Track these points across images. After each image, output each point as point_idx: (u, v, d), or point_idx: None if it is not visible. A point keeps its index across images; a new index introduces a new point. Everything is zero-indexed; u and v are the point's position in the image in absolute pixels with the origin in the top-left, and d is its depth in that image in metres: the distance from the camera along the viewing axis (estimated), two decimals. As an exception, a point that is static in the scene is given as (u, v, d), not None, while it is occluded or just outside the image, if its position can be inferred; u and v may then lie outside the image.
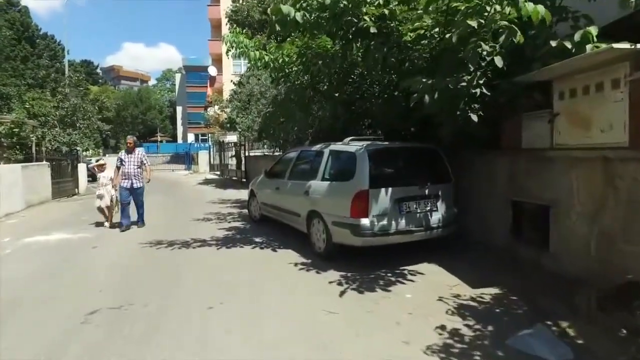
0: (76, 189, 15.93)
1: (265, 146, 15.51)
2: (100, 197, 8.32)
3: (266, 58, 6.98)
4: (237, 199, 12.31)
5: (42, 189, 11.98)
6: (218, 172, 22.80)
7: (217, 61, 39.51)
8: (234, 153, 18.96)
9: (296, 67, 7.15)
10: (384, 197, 4.93)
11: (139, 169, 8.01)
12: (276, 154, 14.92)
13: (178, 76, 61.05)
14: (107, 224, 8.35)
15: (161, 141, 56.35)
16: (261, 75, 11.04)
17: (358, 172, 4.99)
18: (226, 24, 14.11)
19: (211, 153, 25.70)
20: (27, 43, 43.12)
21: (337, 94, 6.97)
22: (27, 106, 13.94)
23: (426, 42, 5.77)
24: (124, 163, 7.90)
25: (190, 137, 48.05)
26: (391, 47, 5.65)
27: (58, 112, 16.33)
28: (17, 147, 12.00)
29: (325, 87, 7.03)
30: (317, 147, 6.24)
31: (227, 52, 7.71)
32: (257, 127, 10.23)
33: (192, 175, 24.30)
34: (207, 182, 19.45)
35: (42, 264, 5.73)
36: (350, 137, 5.64)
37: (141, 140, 57.64)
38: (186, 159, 28.29)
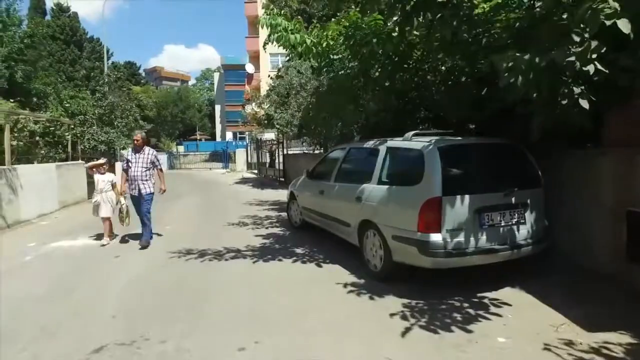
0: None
1: (305, 144, 14.69)
2: (97, 206, 6.71)
3: (308, 41, 6.06)
4: (275, 200, 11.52)
5: (78, 188, 11.67)
6: (255, 171, 22.25)
7: (254, 58, 39.25)
8: (272, 151, 18.30)
9: (343, 51, 6.19)
10: (460, 207, 3.88)
11: (148, 172, 6.53)
12: (317, 152, 14.07)
13: (217, 75, 61.65)
14: (105, 240, 6.71)
15: (200, 140, 57.04)
16: (301, 65, 10.18)
17: (427, 174, 3.96)
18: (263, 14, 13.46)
19: (248, 151, 25.23)
20: (75, 47, 44.86)
21: (390, 83, 5.94)
22: (66, 105, 13.75)
23: (504, 13, 4.68)
24: (130, 165, 6.50)
25: (229, 136, 48.26)
26: (461, 20, 4.57)
27: (97, 110, 16.21)
28: (55, 145, 11.75)
29: (377, 73, 6.01)
30: (370, 143, 5.24)
31: (264, 45, 6.87)
32: (297, 122, 9.35)
33: (229, 174, 23.90)
34: (244, 181, 18.88)
35: (58, 277, 5.09)
36: (413, 132, 4.60)
37: (181, 139, 58.84)
38: (223, 157, 28.00)
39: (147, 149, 6.68)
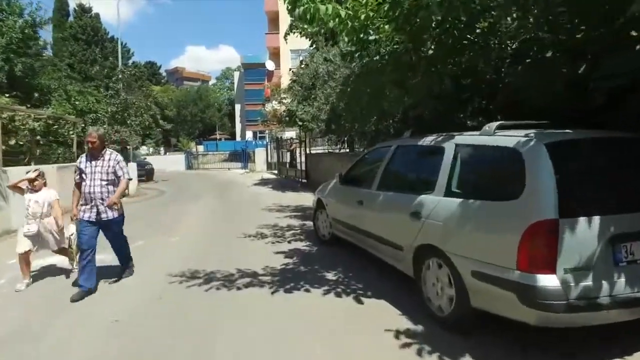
0: (126, 190, 14.83)
1: (329, 142, 13.49)
2: (29, 235, 4.60)
3: (342, 13, 4.81)
4: (297, 206, 10.32)
5: (84, 192, 10.72)
6: (275, 171, 21.15)
7: (275, 55, 38.24)
8: (292, 150, 17.14)
9: (384, 26, 4.92)
10: (586, 234, 2.56)
11: (110, 186, 4.47)
12: (343, 151, 12.82)
13: (237, 74, 61.03)
14: (22, 283, 4.59)
15: (220, 139, 56.53)
16: (329, 52, 8.91)
17: (532, 184, 2.65)
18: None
19: (268, 151, 24.15)
20: (96, 47, 44.81)
21: (451, 61, 4.64)
22: (75, 102, 12.89)
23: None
24: (84, 176, 4.43)
25: (249, 135, 47.51)
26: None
27: (109, 108, 15.37)
28: (61, 145, 10.86)
29: (431, 51, 4.71)
30: (428, 140, 3.95)
31: (285, 36, 5.72)
32: (325, 116, 8.07)
33: (248, 174, 22.85)
34: (263, 182, 17.77)
35: (28, 311, 3.99)
36: (497, 123, 3.27)
37: (200, 138, 58.48)
38: (242, 157, 26.98)
39: (108, 152, 4.58)
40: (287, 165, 19.22)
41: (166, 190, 15.86)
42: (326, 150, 13.56)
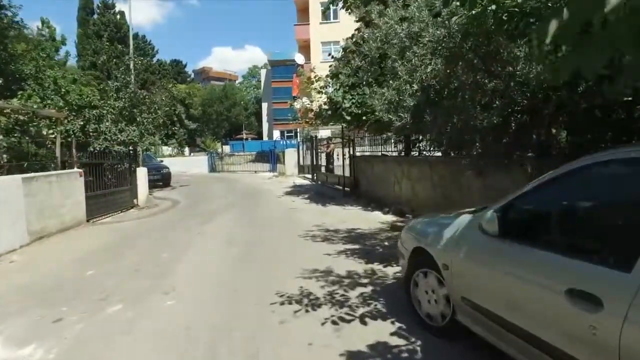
0: (135, 200, 12.43)
1: (374, 142, 10.58)
2: None
3: None
4: (349, 229, 7.46)
5: (69, 208, 8.24)
6: (309, 176, 18.34)
7: (304, 48, 35.52)
8: (338, 153, 14.24)
9: None
10: None
11: None
12: (392, 153, 9.88)
13: (263, 72, 58.75)
14: None
15: (246, 139, 54.40)
16: (405, 6, 5.86)
17: None
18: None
19: (300, 152, 21.30)
20: (119, 44, 43.21)
21: None
22: (65, 92, 10.41)
23: None
24: None
25: (276, 134, 45.13)
26: None
27: (117, 103, 12.95)
28: (41, 146, 8.42)
29: None
30: None
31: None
32: (413, 101, 4.95)
33: (277, 179, 20.07)
34: (296, 190, 14.98)
35: None
36: None
37: (227, 138, 56.50)
38: (270, 158, 24.20)
39: None
40: (324, 169, 16.40)
41: (181, 200, 13.30)
42: (381, 153, 10.58)
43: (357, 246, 6.24)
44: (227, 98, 54.55)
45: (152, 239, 7.46)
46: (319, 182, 16.29)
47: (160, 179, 16.66)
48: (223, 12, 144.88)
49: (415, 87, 4.94)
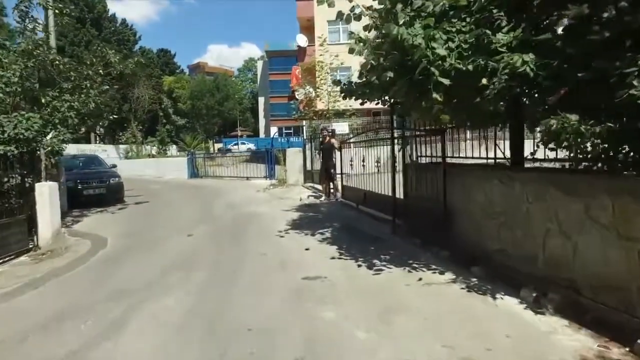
0: (34, 239, 7.33)
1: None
2: None
3: None
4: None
5: None
6: (319, 186, 13.05)
7: (307, 29, 30.30)
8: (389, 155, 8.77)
9: None
10: None
11: None
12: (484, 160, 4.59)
13: (260, 64, 53.58)
14: None
15: (241, 136, 49.21)
16: None
17: None
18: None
19: (307, 152, 15.93)
20: (91, 27, 37.52)
21: None
22: None
23: None
24: None
25: (273, 131, 40.05)
26: None
27: (8, 73, 7.83)
28: None
29: None
30: None
31: None
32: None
33: (276, 190, 14.64)
34: (305, 213, 9.67)
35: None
36: None
37: (220, 135, 51.25)
38: (267, 159, 18.82)
39: None
40: (339, 179, 11.14)
41: (113, 239, 7.88)
42: (469, 159, 5.30)
43: None
44: (219, 90, 48.98)
45: None
46: (337, 198, 11.06)
47: (104, 194, 11.34)
48: (219, 9, 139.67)
49: None
